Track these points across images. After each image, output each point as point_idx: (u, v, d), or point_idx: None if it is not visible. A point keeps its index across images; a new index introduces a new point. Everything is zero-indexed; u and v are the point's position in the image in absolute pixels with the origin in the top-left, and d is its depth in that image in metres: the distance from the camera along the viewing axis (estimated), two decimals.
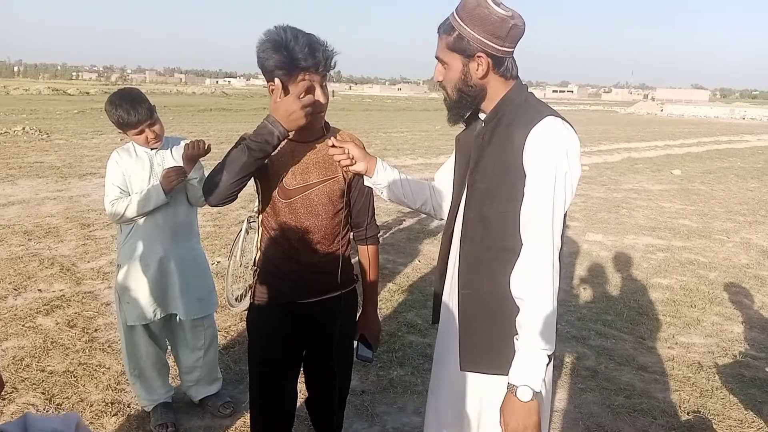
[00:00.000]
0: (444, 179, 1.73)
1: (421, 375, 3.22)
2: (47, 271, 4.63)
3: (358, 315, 2.04)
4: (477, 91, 1.47)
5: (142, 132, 2.37)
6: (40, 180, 8.32)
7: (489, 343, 1.48)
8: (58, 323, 3.70)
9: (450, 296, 1.61)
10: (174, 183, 2.37)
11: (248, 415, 2.17)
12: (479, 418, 1.55)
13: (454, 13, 1.44)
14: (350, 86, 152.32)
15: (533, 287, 1.34)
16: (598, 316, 4.21)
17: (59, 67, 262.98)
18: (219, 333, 3.18)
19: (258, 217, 1.92)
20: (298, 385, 2.05)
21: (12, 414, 2.71)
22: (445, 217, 1.68)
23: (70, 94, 38.01)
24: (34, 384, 2.97)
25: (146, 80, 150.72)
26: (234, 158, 1.66)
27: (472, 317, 1.51)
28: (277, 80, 1.61)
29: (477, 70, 1.43)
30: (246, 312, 1.99)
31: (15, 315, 3.79)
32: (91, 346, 3.40)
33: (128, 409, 2.80)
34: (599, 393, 3.13)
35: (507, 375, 1.46)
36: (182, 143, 2.50)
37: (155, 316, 2.54)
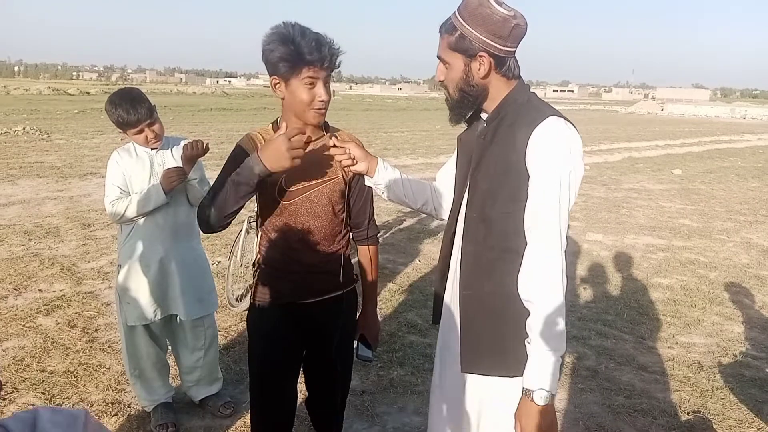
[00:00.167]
0: (445, 179, 1.73)
1: (422, 375, 3.22)
2: (48, 271, 4.64)
3: (357, 315, 2.04)
4: (479, 90, 1.46)
5: (141, 131, 2.37)
6: (40, 180, 8.33)
7: (490, 345, 1.48)
8: (58, 323, 3.70)
9: (451, 297, 1.60)
10: (174, 183, 2.37)
11: (248, 415, 2.17)
12: (479, 419, 1.55)
13: (456, 13, 1.43)
14: (351, 86, 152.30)
15: (543, 289, 1.34)
16: (598, 316, 4.20)
17: (60, 67, 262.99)
18: (219, 333, 3.18)
19: (258, 218, 1.92)
20: (298, 385, 2.05)
21: (12, 414, 2.71)
22: (447, 217, 1.67)
23: (70, 94, 38.02)
24: (34, 384, 2.97)
25: (147, 80, 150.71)
26: (221, 196, 1.65)
27: (473, 318, 1.50)
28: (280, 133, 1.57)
29: (479, 69, 1.43)
30: (246, 312, 2.00)
31: (15, 315, 3.79)
32: (91, 346, 3.40)
33: (129, 409, 2.80)
34: (599, 393, 3.13)
35: (508, 377, 1.45)
36: (182, 143, 2.50)
37: (155, 316, 2.54)
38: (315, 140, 1.80)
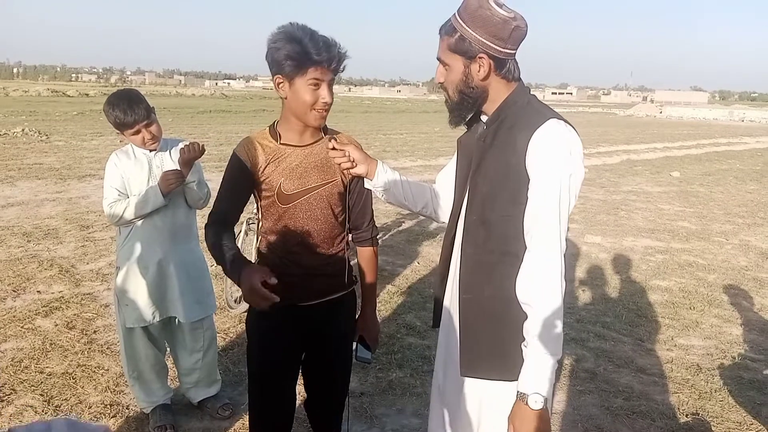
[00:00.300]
0: (445, 182, 1.72)
1: (420, 377, 3.22)
2: (46, 273, 4.63)
3: (356, 317, 2.04)
4: (478, 92, 1.45)
5: (138, 132, 2.37)
6: (39, 181, 8.32)
7: (490, 349, 1.47)
8: (57, 325, 3.70)
9: (451, 300, 1.60)
10: (172, 186, 2.37)
11: (247, 416, 2.17)
12: (479, 423, 1.54)
13: (456, 15, 1.43)
14: (349, 88, 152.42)
15: (541, 293, 1.33)
16: (596, 318, 4.21)
17: (59, 69, 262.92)
18: (218, 335, 3.18)
19: (257, 221, 1.92)
20: (297, 386, 2.04)
21: (10, 416, 2.71)
22: (447, 220, 1.66)
23: (69, 96, 37.98)
24: (32, 385, 2.96)
25: (146, 82, 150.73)
26: (217, 256, 1.73)
27: (472, 322, 1.49)
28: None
29: (478, 71, 1.42)
30: (245, 314, 2.00)
31: (14, 316, 3.79)
32: (90, 348, 3.40)
33: (127, 410, 2.80)
34: (598, 395, 3.13)
35: (507, 380, 1.44)
36: (180, 145, 2.50)
37: (154, 318, 2.54)
38: (313, 143, 1.79)
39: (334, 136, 1.79)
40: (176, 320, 2.62)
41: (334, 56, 1.61)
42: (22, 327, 3.64)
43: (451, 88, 1.48)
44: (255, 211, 1.87)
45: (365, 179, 1.74)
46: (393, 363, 3.37)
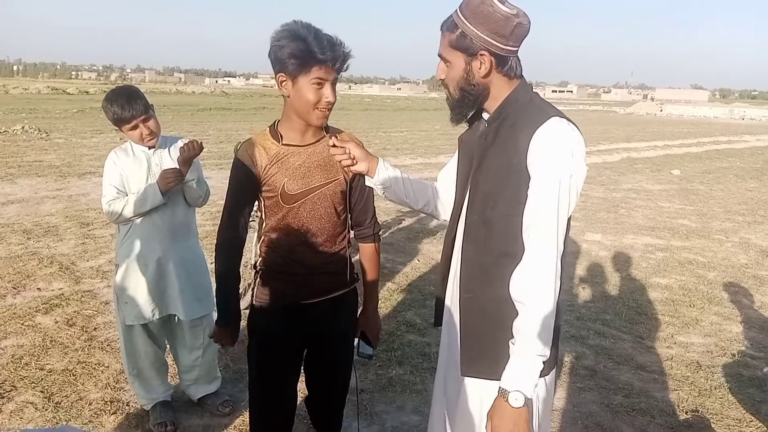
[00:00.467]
0: (447, 180, 1.70)
1: (420, 374, 3.22)
2: (46, 270, 4.63)
3: (358, 313, 2.04)
4: (479, 90, 1.44)
5: (136, 127, 2.37)
6: (39, 179, 8.32)
7: (490, 349, 1.45)
8: (57, 322, 3.70)
9: (452, 300, 1.59)
10: (171, 185, 2.37)
11: (247, 413, 2.17)
12: (480, 423, 1.54)
13: (458, 11, 1.41)
14: (350, 86, 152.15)
15: (534, 292, 1.32)
16: (596, 316, 4.21)
17: (59, 66, 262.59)
18: None
19: (258, 221, 1.91)
20: (298, 383, 2.04)
21: (11, 412, 2.71)
22: (448, 218, 1.65)
23: (69, 93, 37.96)
24: (33, 382, 2.97)
25: (146, 79, 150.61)
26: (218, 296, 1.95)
27: (473, 321, 1.48)
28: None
29: (480, 68, 1.41)
30: (245, 311, 2.00)
31: (14, 314, 3.79)
32: (90, 345, 3.40)
33: (127, 407, 2.80)
34: (598, 392, 3.14)
35: None
36: (179, 142, 2.50)
37: (154, 316, 2.54)
38: (315, 142, 1.78)
39: (336, 134, 1.78)
40: (176, 318, 2.62)
41: (338, 55, 1.60)
42: (22, 324, 3.64)
43: (452, 85, 1.46)
44: (255, 209, 1.87)
45: (366, 177, 1.73)
46: (393, 360, 3.37)
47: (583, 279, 5.08)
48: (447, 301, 1.63)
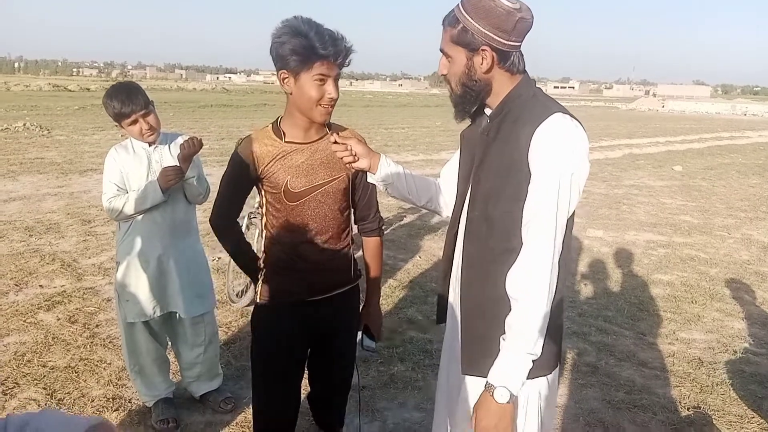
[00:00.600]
0: (450, 176, 1.68)
1: (422, 370, 3.22)
2: (48, 267, 4.64)
3: (360, 309, 2.04)
4: (481, 85, 1.42)
5: (136, 122, 2.36)
6: (40, 176, 8.32)
7: (490, 347, 1.43)
8: (59, 319, 3.70)
9: (454, 297, 1.58)
10: (172, 182, 2.36)
11: (249, 410, 2.17)
12: None
13: (459, 5, 1.39)
14: (351, 82, 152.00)
15: (529, 289, 1.30)
16: (598, 312, 4.20)
17: (60, 64, 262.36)
18: (220, 329, 3.18)
19: (261, 218, 1.91)
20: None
21: (14, 409, 2.72)
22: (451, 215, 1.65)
23: (70, 91, 37.94)
24: (35, 379, 2.97)
25: (147, 76, 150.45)
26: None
27: (474, 319, 1.48)
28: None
29: (481, 64, 1.39)
30: (247, 307, 2.00)
31: (16, 311, 3.80)
32: (92, 342, 3.41)
33: (129, 404, 2.81)
34: (600, 389, 3.14)
35: None
36: (179, 139, 2.49)
37: (155, 313, 2.54)
38: (318, 140, 1.78)
39: (338, 131, 1.77)
40: (177, 315, 2.62)
41: (340, 50, 1.58)
42: (24, 321, 3.65)
43: (454, 81, 1.44)
44: (256, 206, 1.87)
45: (368, 173, 1.70)
46: (395, 357, 3.37)
47: (585, 275, 5.08)
48: (449, 299, 1.62)
